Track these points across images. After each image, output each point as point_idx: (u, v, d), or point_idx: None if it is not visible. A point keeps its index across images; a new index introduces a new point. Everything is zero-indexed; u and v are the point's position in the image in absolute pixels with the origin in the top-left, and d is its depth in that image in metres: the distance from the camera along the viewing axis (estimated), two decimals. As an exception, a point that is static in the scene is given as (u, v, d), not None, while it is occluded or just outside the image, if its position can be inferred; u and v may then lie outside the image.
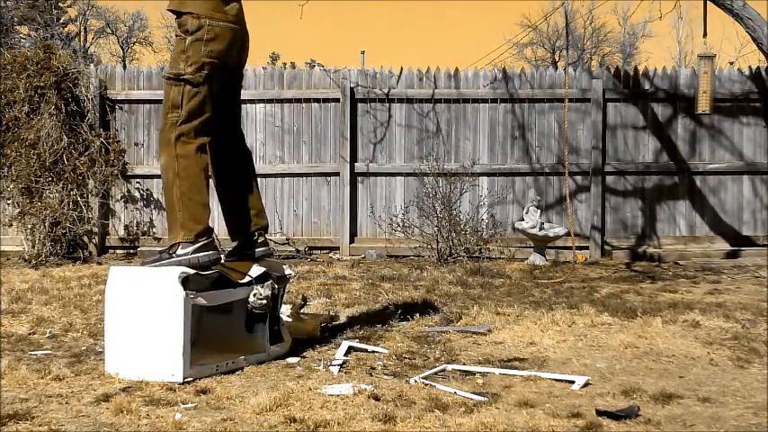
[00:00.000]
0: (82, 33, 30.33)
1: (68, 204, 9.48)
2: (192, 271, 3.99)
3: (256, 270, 4.35)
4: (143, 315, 3.94)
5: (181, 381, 3.81)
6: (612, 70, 10.45)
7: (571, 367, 4.24)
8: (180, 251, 4.09)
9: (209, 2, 4.19)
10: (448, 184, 9.31)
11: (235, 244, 4.59)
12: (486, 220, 9.57)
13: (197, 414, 3.35)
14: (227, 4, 4.28)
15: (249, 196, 4.58)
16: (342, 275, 7.90)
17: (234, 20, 4.28)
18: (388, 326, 5.28)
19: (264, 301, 4.29)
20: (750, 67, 10.36)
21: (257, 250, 4.50)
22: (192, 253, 4.07)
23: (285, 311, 4.86)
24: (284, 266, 4.65)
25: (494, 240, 9.29)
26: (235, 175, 4.57)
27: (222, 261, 4.32)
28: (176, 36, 4.28)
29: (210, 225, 4.26)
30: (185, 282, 3.91)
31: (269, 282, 4.38)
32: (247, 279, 4.28)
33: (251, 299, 4.27)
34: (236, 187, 4.57)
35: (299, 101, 10.23)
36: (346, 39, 57.79)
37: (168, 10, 4.34)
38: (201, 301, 3.99)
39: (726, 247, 9.86)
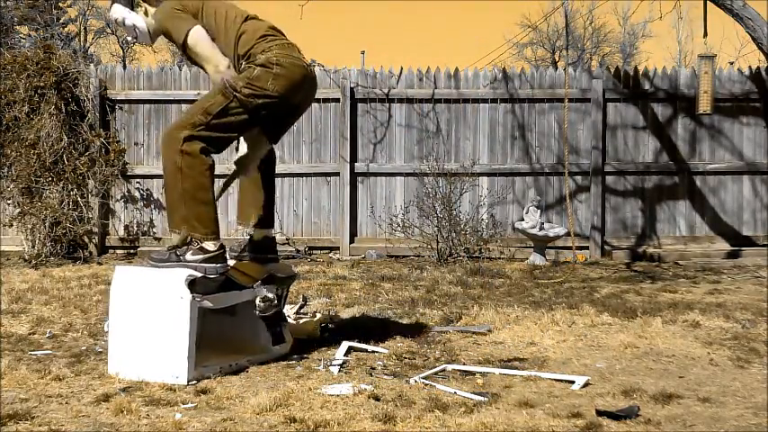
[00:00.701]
0: (82, 33, 30.30)
1: (68, 204, 9.48)
2: (199, 274, 3.98)
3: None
4: (148, 316, 3.93)
5: (185, 383, 3.81)
6: (612, 70, 10.45)
7: (571, 367, 4.24)
8: (189, 257, 4.05)
9: (277, 49, 4.20)
10: (448, 184, 9.31)
11: (248, 239, 4.57)
12: (486, 220, 9.58)
13: (197, 414, 3.35)
14: (294, 46, 4.29)
15: (270, 196, 4.61)
16: (342, 275, 7.90)
17: (298, 61, 4.26)
18: (388, 326, 5.28)
19: (270, 304, 4.30)
20: (750, 67, 10.36)
21: (269, 265, 4.47)
22: (201, 262, 4.04)
23: (286, 312, 4.86)
24: (289, 267, 4.66)
25: (494, 240, 9.30)
26: (262, 170, 4.56)
27: (229, 260, 4.31)
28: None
29: (219, 232, 4.19)
30: (192, 284, 3.91)
31: (273, 284, 4.38)
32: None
33: (257, 302, 4.27)
34: (260, 183, 4.56)
35: (299, 101, 10.21)
36: (346, 39, 57.80)
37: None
38: (207, 303, 3.99)
39: (726, 247, 9.86)
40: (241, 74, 4.16)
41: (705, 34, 9.09)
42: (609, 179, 10.14)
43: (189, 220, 4.09)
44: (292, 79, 4.20)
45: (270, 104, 4.18)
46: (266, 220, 4.61)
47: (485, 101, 10.21)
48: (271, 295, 4.30)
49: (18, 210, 9.42)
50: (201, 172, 4.07)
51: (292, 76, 4.20)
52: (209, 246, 4.08)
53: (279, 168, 10.05)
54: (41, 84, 9.49)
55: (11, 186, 9.48)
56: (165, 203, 4.31)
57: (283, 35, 4.35)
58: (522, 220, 9.44)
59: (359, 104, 10.21)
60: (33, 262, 8.93)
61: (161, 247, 9.87)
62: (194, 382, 3.84)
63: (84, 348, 4.67)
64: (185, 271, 3.95)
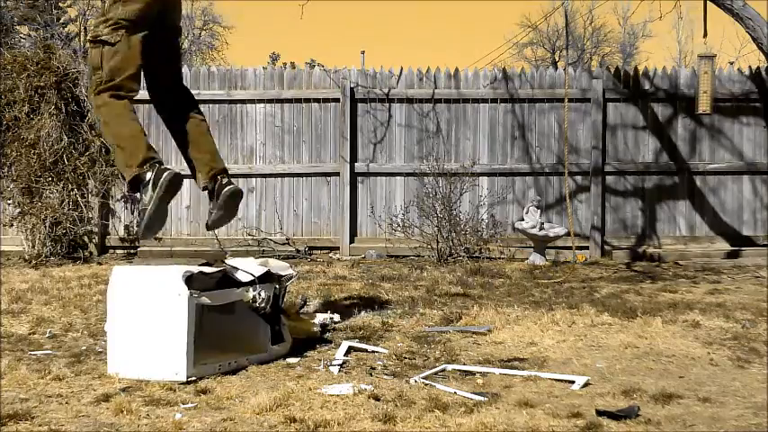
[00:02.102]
0: (82, 33, 30.30)
1: (69, 204, 9.47)
2: (196, 270, 4.00)
3: (259, 269, 4.35)
4: (146, 314, 3.94)
5: (184, 380, 3.81)
6: (612, 70, 10.45)
7: (571, 367, 4.24)
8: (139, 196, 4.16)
9: None
10: (448, 184, 9.31)
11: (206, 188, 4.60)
12: (486, 220, 9.58)
13: (197, 414, 3.35)
14: None
15: (200, 139, 4.66)
16: (342, 275, 7.90)
17: None
18: (387, 326, 5.28)
19: (267, 301, 4.30)
20: (750, 67, 10.36)
21: (224, 191, 4.47)
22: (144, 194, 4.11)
23: (286, 311, 4.86)
24: (287, 266, 4.66)
25: (494, 240, 9.30)
26: (179, 119, 4.64)
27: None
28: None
29: (153, 149, 4.28)
30: (189, 281, 3.92)
31: (271, 282, 4.38)
32: (250, 278, 4.28)
33: (254, 298, 4.28)
34: (184, 132, 4.64)
35: (298, 101, 10.23)
36: (346, 39, 57.81)
37: None
38: (205, 300, 4.00)
39: (726, 247, 9.86)
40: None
41: (705, 34, 9.09)
42: (609, 179, 10.14)
43: (128, 160, 4.19)
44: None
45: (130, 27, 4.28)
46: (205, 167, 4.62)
47: (485, 101, 10.21)
48: (266, 291, 4.30)
49: (18, 210, 9.42)
50: (120, 112, 4.26)
51: None
52: (147, 175, 4.14)
53: (279, 168, 10.18)
54: (41, 84, 9.49)
55: (11, 186, 9.48)
56: (115, 163, 4.41)
57: None
58: (522, 220, 9.44)
59: (359, 104, 10.21)
60: (33, 262, 8.93)
61: (161, 247, 9.93)
62: (194, 379, 3.84)
63: (84, 348, 4.67)
64: (182, 268, 3.97)
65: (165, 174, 4.13)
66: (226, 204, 4.45)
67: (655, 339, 4.82)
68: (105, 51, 4.27)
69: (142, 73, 4.43)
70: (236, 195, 4.50)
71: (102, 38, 4.27)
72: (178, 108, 4.66)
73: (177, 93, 4.69)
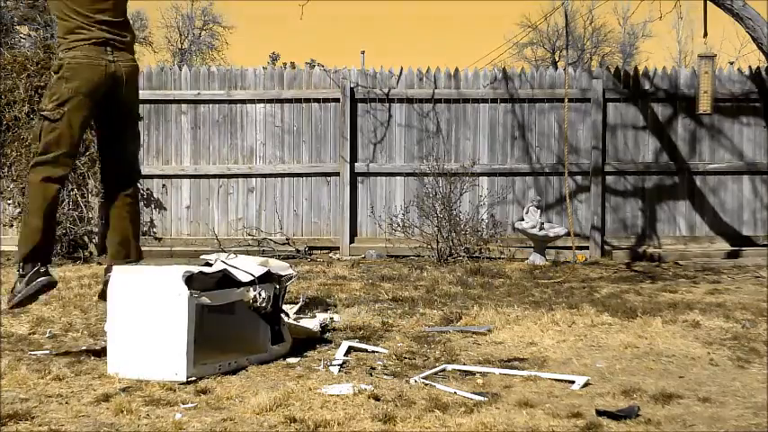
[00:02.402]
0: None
1: (69, 204, 9.47)
2: (196, 270, 4.00)
3: (259, 270, 4.35)
4: (146, 315, 3.94)
5: (184, 380, 3.81)
6: (612, 70, 10.45)
7: (571, 367, 4.24)
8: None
9: (73, 50, 4.42)
10: (448, 184, 9.31)
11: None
12: (486, 220, 9.58)
13: (197, 414, 3.35)
14: (97, 47, 4.46)
15: (120, 224, 4.68)
16: (342, 275, 7.90)
17: (95, 60, 4.44)
18: (387, 326, 5.28)
19: (267, 301, 4.30)
20: (750, 67, 10.36)
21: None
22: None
23: (286, 311, 4.86)
24: (287, 266, 4.66)
25: (494, 240, 9.30)
26: (112, 195, 4.72)
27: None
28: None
29: (44, 251, 4.45)
30: (189, 280, 3.92)
31: (271, 282, 4.38)
32: (250, 278, 4.28)
33: (254, 298, 4.28)
34: (111, 208, 4.71)
35: (298, 101, 10.23)
36: (346, 39, 57.80)
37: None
38: (205, 300, 4.00)
39: (726, 247, 9.86)
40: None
41: (705, 34, 9.09)
42: (609, 179, 10.14)
43: (20, 240, 4.53)
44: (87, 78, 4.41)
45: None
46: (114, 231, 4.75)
47: (485, 101, 10.21)
48: (266, 291, 4.30)
49: (18, 210, 9.42)
50: (39, 204, 4.44)
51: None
52: (26, 269, 4.35)
53: (279, 168, 10.19)
54: (41, 84, 9.47)
55: (11, 186, 9.48)
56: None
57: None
58: (522, 220, 9.44)
59: (359, 104, 10.21)
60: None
61: (161, 247, 9.93)
62: (194, 379, 3.84)
63: (84, 348, 4.67)
64: (182, 268, 3.97)
65: (38, 281, 4.31)
66: None
67: (655, 339, 4.82)
68: (45, 126, 4.39)
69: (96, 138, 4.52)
70: None
71: (44, 113, 4.41)
72: (117, 183, 4.73)
73: (120, 170, 4.73)
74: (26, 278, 4.31)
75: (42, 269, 4.33)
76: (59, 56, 4.47)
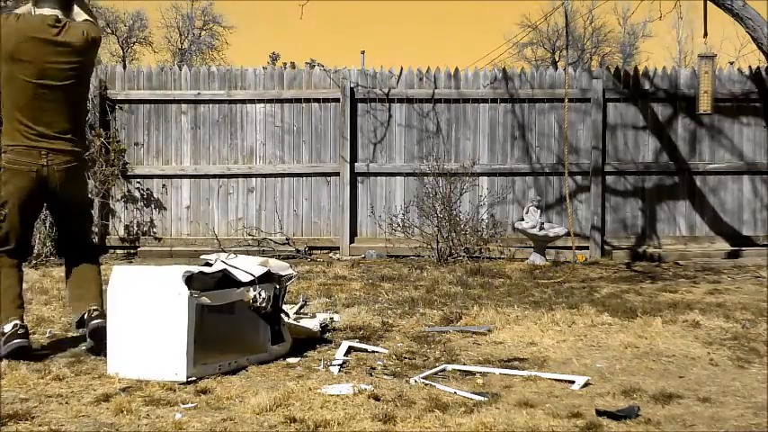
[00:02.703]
0: (82, 33, 30.25)
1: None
2: (196, 270, 4.00)
3: (259, 270, 4.35)
4: (146, 314, 3.94)
5: (184, 379, 3.81)
6: (612, 70, 10.45)
7: (571, 367, 4.24)
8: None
9: (8, 154, 4.49)
10: (448, 184, 9.31)
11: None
12: (486, 220, 9.58)
13: (197, 414, 3.35)
14: (31, 151, 4.51)
15: (81, 282, 4.74)
16: (342, 275, 7.90)
17: (26, 167, 4.49)
18: (387, 326, 5.28)
19: (267, 302, 4.30)
20: (750, 67, 10.36)
21: (91, 324, 4.53)
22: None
23: (286, 311, 4.86)
24: (287, 266, 4.66)
25: (494, 240, 9.30)
26: (71, 261, 4.80)
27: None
28: None
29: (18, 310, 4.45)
30: (189, 280, 3.92)
31: (271, 282, 4.38)
32: (250, 278, 4.28)
33: (254, 298, 4.27)
34: (71, 270, 4.79)
35: (298, 101, 10.23)
36: (346, 39, 57.82)
37: None
38: (205, 300, 4.00)
39: (726, 247, 9.86)
40: None
41: (705, 34, 9.09)
42: (609, 179, 10.14)
43: None
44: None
45: None
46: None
47: (485, 101, 10.21)
48: (266, 292, 4.30)
49: None
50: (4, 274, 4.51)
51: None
52: (4, 329, 4.35)
53: (279, 168, 10.19)
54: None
55: None
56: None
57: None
58: (522, 219, 9.44)
59: (359, 104, 10.22)
60: (33, 262, 8.92)
61: (161, 247, 9.94)
62: (194, 379, 3.84)
63: (84, 348, 4.67)
64: (182, 268, 3.97)
65: (12, 342, 4.29)
66: (92, 336, 4.50)
67: (655, 339, 4.82)
68: None
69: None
70: (98, 331, 4.45)
71: None
72: (74, 254, 4.81)
73: (73, 244, 4.82)
74: (3, 339, 4.32)
75: (21, 330, 4.35)
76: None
